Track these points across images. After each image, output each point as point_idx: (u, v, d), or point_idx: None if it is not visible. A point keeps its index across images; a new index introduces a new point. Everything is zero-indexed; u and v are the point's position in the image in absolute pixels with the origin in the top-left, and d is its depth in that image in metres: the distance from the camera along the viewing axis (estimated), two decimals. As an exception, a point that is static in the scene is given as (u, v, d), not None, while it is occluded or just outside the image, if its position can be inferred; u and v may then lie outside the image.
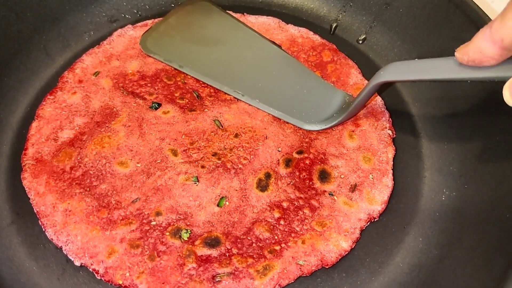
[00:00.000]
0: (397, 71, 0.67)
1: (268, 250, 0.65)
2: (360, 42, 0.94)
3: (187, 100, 0.81)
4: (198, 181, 0.71)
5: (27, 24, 0.88)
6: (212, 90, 0.83)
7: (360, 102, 0.74)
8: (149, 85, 0.82)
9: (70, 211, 0.68)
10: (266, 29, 0.93)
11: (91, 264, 0.64)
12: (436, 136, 0.80)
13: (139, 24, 0.92)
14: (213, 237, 0.66)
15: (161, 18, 0.93)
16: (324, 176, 0.73)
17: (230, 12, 0.94)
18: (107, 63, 0.85)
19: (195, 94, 0.82)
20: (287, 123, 0.79)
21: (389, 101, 0.84)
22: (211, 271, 0.63)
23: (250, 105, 0.81)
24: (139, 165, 0.72)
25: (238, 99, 0.82)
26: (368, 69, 0.88)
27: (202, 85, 0.83)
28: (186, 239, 0.65)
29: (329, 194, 0.71)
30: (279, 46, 0.88)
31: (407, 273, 0.67)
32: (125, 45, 0.88)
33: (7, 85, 0.83)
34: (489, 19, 0.77)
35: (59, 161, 0.72)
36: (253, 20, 0.94)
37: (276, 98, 0.80)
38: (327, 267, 0.65)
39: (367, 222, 0.70)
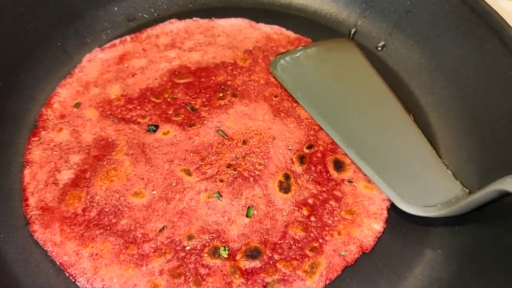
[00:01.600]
0: None
1: (309, 248, 0.66)
2: (379, 49, 0.94)
3: (183, 116, 0.78)
4: (221, 196, 0.70)
5: (45, 21, 0.87)
6: (205, 100, 0.80)
7: (472, 201, 0.65)
8: (138, 107, 0.79)
9: (96, 254, 0.64)
10: (238, 29, 0.92)
11: None
12: (455, 147, 0.79)
13: (107, 45, 0.88)
14: (252, 248, 0.65)
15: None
16: (339, 165, 0.75)
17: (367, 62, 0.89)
18: (85, 92, 0.81)
19: (188, 108, 0.79)
20: (288, 117, 0.80)
21: (407, 108, 0.83)
22: (260, 282, 0.63)
23: (247, 106, 0.80)
24: (154, 192, 0.70)
25: (232, 104, 0.80)
26: (387, 76, 0.88)
27: (193, 96, 0.81)
28: (226, 256, 0.65)
29: (348, 181, 0.73)
30: (409, 112, 0.82)
31: (427, 286, 0.66)
32: (98, 70, 0.85)
33: (24, 82, 0.82)
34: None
35: (68, 205, 0.68)
36: (223, 23, 0.93)
37: (382, 163, 0.74)
38: (367, 251, 0.68)
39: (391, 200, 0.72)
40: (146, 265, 0.63)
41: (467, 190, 0.72)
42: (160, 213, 0.68)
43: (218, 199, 0.69)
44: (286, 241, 0.66)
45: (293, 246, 0.66)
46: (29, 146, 0.74)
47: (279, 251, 0.66)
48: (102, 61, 0.86)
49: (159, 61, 0.86)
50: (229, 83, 0.83)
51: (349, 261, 0.66)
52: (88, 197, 0.69)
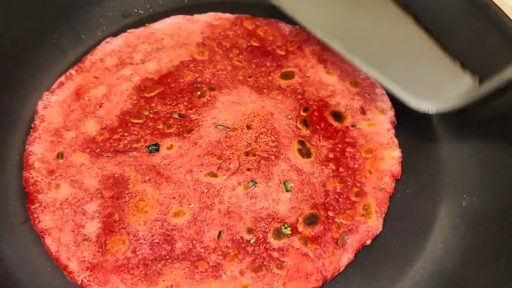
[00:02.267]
0: None
1: (353, 195, 0.71)
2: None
3: (175, 126, 0.76)
4: (255, 183, 0.70)
5: (39, 18, 0.86)
6: (186, 103, 0.78)
7: (484, 91, 0.66)
8: (126, 134, 0.75)
9: (172, 285, 0.63)
10: (178, 27, 0.89)
11: None
12: (456, 140, 0.79)
13: (55, 86, 0.80)
14: (307, 216, 0.69)
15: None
16: (338, 116, 0.79)
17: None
18: (60, 139, 0.74)
19: (176, 116, 0.77)
20: (272, 91, 0.81)
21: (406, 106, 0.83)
22: (330, 241, 0.67)
23: (230, 95, 0.79)
24: (192, 205, 0.69)
25: (215, 97, 0.79)
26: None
27: (172, 104, 0.78)
28: (290, 232, 0.67)
29: (352, 126, 0.78)
30: (411, 17, 0.82)
31: (428, 280, 0.66)
32: (61, 113, 0.77)
33: (19, 79, 0.81)
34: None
35: (115, 253, 0.64)
36: (159, 26, 0.90)
37: (391, 68, 0.74)
38: (398, 177, 0.74)
39: (393, 126, 0.79)
40: (225, 273, 0.64)
41: (477, 77, 0.72)
42: (209, 222, 0.67)
43: (255, 186, 0.70)
44: (332, 197, 0.71)
45: (340, 199, 0.71)
46: (34, 216, 0.67)
47: (331, 208, 0.70)
48: (59, 103, 0.78)
49: (118, 83, 0.81)
50: (199, 79, 0.82)
51: (390, 191, 0.73)
52: (131, 237, 0.66)
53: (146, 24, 0.89)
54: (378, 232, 0.69)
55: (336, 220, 0.69)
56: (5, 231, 0.67)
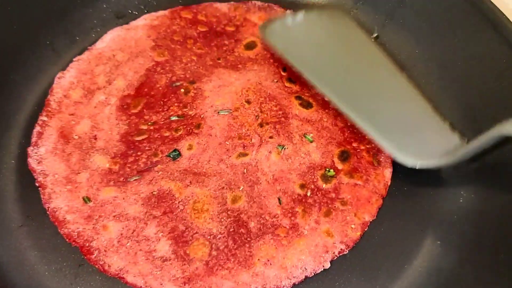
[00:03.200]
0: None
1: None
2: (372, 40, 0.93)
3: (182, 127, 0.76)
4: (283, 146, 0.74)
5: (33, 20, 0.85)
6: (176, 104, 0.78)
7: (472, 148, 0.65)
8: (139, 153, 0.73)
9: (268, 260, 0.66)
10: (122, 39, 0.87)
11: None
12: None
13: (34, 138, 0.74)
14: (339, 153, 0.76)
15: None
16: None
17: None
18: (77, 184, 0.70)
19: (176, 118, 0.77)
20: (245, 64, 0.84)
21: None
22: (368, 166, 0.75)
23: (212, 81, 0.81)
24: (242, 187, 0.71)
25: (200, 89, 0.80)
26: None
27: (164, 109, 0.78)
28: (334, 173, 0.74)
29: None
30: (402, 71, 0.81)
31: (426, 277, 0.66)
32: (59, 161, 0.72)
33: (14, 82, 0.81)
34: (507, 19, 0.77)
35: (201, 257, 0.65)
36: (103, 44, 0.87)
37: (380, 119, 0.74)
38: None
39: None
40: (304, 229, 0.68)
41: (466, 139, 0.71)
42: (265, 195, 0.70)
43: (284, 149, 0.74)
44: (347, 131, 0.78)
45: (354, 130, 0.77)
46: (100, 263, 0.64)
47: (352, 140, 0.77)
48: (51, 152, 0.73)
49: (98, 110, 0.78)
50: (174, 78, 0.82)
51: None
52: (208, 237, 0.67)
53: (88, 47, 0.86)
54: None
55: (362, 147, 0.76)
56: (2, 236, 0.67)
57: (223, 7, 0.94)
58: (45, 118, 0.76)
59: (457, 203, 0.72)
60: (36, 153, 0.73)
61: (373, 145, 0.76)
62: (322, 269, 0.66)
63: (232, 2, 0.94)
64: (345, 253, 0.67)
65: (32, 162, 0.72)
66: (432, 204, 0.73)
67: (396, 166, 0.75)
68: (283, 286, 0.64)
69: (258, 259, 0.65)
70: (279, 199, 0.70)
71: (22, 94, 0.81)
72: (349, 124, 0.78)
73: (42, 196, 0.69)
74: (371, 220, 0.71)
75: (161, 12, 0.92)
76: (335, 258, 0.67)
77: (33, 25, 0.85)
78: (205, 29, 0.90)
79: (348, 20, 0.88)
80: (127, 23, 0.92)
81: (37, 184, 0.70)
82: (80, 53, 0.86)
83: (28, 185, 0.71)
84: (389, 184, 0.74)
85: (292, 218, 0.69)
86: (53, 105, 0.78)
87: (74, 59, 0.84)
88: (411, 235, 0.70)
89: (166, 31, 0.89)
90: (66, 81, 0.81)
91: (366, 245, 0.69)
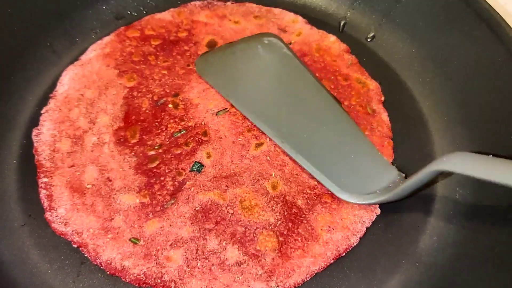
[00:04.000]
0: (463, 164, 0.58)
1: (343, 79, 0.86)
2: (369, 40, 0.94)
3: (191, 140, 0.75)
4: None
5: (33, 22, 0.86)
6: (172, 120, 0.78)
7: (410, 185, 0.65)
8: (162, 178, 0.72)
9: (332, 222, 0.69)
10: (82, 76, 0.83)
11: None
12: (448, 134, 0.80)
13: (46, 203, 0.69)
14: None
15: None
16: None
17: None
18: (114, 230, 0.67)
19: (179, 134, 0.76)
20: None
21: (400, 100, 0.85)
22: (365, 115, 0.82)
23: (193, 88, 0.82)
24: (273, 173, 0.73)
25: (187, 99, 0.80)
26: (377, 67, 0.88)
27: (162, 129, 0.77)
28: None
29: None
30: (339, 102, 0.82)
31: (424, 272, 0.67)
32: (86, 214, 0.68)
33: (14, 84, 0.82)
34: (501, 18, 0.78)
35: (273, 247, 0.66)
36: (64, 88, 0.82)
37: (318, 155, 0.74)
38: None
39: None
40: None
41: (404, 174, 0.73)
42: (295, 173, 0.73)
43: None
44: (337, 92, 0.84)
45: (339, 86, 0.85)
46: None
47: (347, 98, 0.83)
48: (71, 210, 0.69)
49: (98, 153, 0.74)
50: (156, 98, 0.80)
51: None
52: (269, 227, 0.68)
53: (50, 95, 0.80)
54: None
55: (353, 103, 0.82)
56: (5, 235, 0.67)
57: (166, 15, 0.93)
58: (45, 180, 0.71)
59: (453, 199, 0.73)
60: (56, 216, 0.68)
61: (361, 98, 0.82)
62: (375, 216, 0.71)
63: (172, 9, 0.94)
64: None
65: (58, 227, 0.67)
66: (428, 200, 0.74)
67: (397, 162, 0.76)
68: (353, 243, 0.68)
69: (321, 229, 0.68)
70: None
71: (23, 95, 0.81)
72: (332, 86, 0.84)
73: (88, 254, 0.65)
74: (392, 161, 0.76)
75: (106, 39, 0.88)
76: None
77: (33, 27, 0.86)
78: (159, 42, 0.89)
79: (283, 48, 0.87)
80: (126, 24, 0.92)
81: (75, 246, 0.66)
82: (80, 54, 0.87)
83: (29, 185, 0.71)
84: (390, 125, 0.80)
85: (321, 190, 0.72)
86: (46, 164, 0.72)
87: (42, 111, 0.78)
88: (408, 231, 0.71)
89: (122, 55, 0.86)
90: (46, 136, 0.75)
91: (364, 242, 0.69)
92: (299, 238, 0.67)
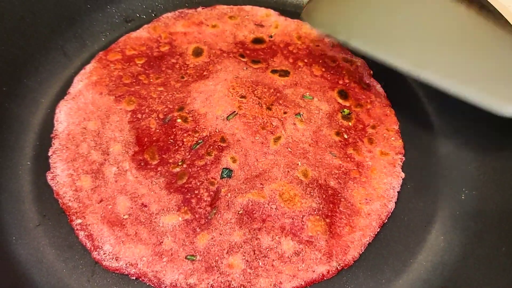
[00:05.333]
0: None
1: (342, 60, 0.92)
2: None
3: (211, 149, 0.75)
4: (298, 113, 0.80)
5: (44, 25, 0.88)
6: (185, 134, 0.76)
7: None
8: (196, 192, 0.71)
9: (366, 199, 0.74)
10: (78, 109, 0.79)
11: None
12: (453, 135, 0.81)
13: (90, 245, 0.67)
14: (339, 92, 0.86)
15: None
16: (258, 40, 0.92)
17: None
18: (173, 259, 0.67)
19: (199, 145, 0.75)
20: (210, 70, 0.85)
21: (405, 100, 0.86)
22: (363, 91, 0.87)
23: (195, 97, 0.80)
24: (299, 163, 0.75)
25: (193, 110, 0.79)
26: (384, 70, 0.89)
27: (178, 144, 0.75)
28: (348, 111, 0.83)
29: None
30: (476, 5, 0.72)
31: (431, 271, 0.68)
32: (130, 245, 0.68)
33: (27, 86, 0.83)
34: (506, 21, 0.78)
35: (323, 231, 0.69)
36: (63, 125, 0.78)
37: (464, 74, 0.66)
38: None
39: None
40: (370, 160, 0.78)
41: None
42: (319, 157, 0.77)
43: (301, 115, 0.80)
44: (329, 71, 0.88)
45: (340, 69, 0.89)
46: None
47: (340, 77, 0.87)
48: (118, 244, 0.68)
49: (124, 181, 0.73)
50: (161, 116, 0.79)
51: None
52: (314, 212, 0.70)
53: (51, 135, 0.77)
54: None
55: (346, 80, 0.86)
56: (21, 235, 0.69)
57: (142, 33, 0.91)
58: (79, 221, 0.69)
59: (459, 200, 0.74)
60: (104, 254, 0.66)
61: (353, 75, 0.87)
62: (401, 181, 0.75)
63: (145, 26, 0.92)
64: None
65: (110, 264, 0.66)
66: (434, 200, 0.75)
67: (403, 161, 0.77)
68: (391, 209, 0.73)
69: (360, 203, 0.73)
70: (331, 153, 0.77)
71: (35, 98, 0.83)
72: (323, 69, 0.87)
73: (150, 283, 0.65)
74: (397, 128, 0.82)
75: (88, 67, 0.85)
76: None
77: (45, 30, 0.87)
78: (144, 60, 0.87)
79: None
80: (136, 27, 0.93)
81: (134, 277, 0.66)
82: (91, 57, 0.88)
83: (43, 186, 0.73)
84: (386, 95, 0.86)
85: (352, 159, 0.77)
86: (73, 206, 0.70)
87: (49, 154, 0.75)
88: (415, 230, 0.72)
89: (112, 80, 0.83)
90: (63, 178, 0.72)
91: (372, 242, 0.70)
92: (343, 216, 0.71)
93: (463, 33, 0.70)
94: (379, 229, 0.71)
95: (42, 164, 0.75)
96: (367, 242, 0.70)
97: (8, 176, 0.74)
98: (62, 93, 0.83)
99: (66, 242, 0.69)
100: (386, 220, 0.72)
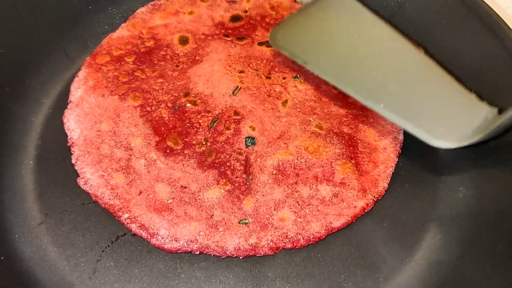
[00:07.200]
0: None
1: None
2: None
3: (228, 124, 0.78)
4: (296, 75, 0.86)
5: (46, 27, 0.89)
6: (200, 117, 0.79)
7: (508, 121, 0.64)
8: (228, 164, 0.75)
9: (379, 136, 0.80)
10: (84, 114, 0.80)
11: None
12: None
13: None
14: None
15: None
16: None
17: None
18: (231, 226, 0.71)
19: (215, 123, 0.78)
20: (202, 56, 0.87)
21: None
22: None
23: (197, 82, 0.83)
24: (311, 118, 0.80)
25: (200, 92, 0.82)
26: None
27: (194, 129, 0.78)
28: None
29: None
30: (422, 50, 0.81)
31: (427, 270, 0.69)
32: (196, 224, 0.71)
33: (29, 87, 0.84)
34: (504, 23, 0.79)
35: (352, 171, 0.75)
36: (74, 136, 0.78)
37: (404, 104, 0.73)
38: None
39: None
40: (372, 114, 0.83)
41: (496, 108, 0.70)
42: (327, 110, 0.82)
43: (299, 77, 0.85)
44: None
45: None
46: None
47: None
48: (174, 225, 0.70)
49: (156, 170, 0.74)
50: (170, 104, 0.80)
51: None
52: (335, 157, 0.76)
53: (69, 144, 0.77)
54: None
55: None
56: (24, 233, 0.70)
57: (122, 32, 0.91)
58: (127, 215, 0.70)
59: (456, 199, 0.75)
60: (163, 238, 0.69)
61: None
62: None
63: (123, 25, 0.92)
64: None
65: (171, 246, 0.69)
66: (432, 199, 0.76)
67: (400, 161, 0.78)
68: (402, 140, 0.80)
69: (375, 141, 0.79)
70: (335, 104, 0.82)
71: (38, 98, 0.84)
72: None
73: (214, 253, 0.69)
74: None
75: (81, 74, 0.85)
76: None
77: (47, 31, 0.88)
78: (134, 57, 0.87)
79: (355, 3, 0.86)
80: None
81: (197, 252, 0.69)
82: (92, 57, 0.88)
83: (46, 185, 0.74)
84: None
85: (355, 105, 0.82)
86: (116, 203, 0.72)
87: (73, 161, 0.75)
88: (412, 229, 0.73)
89: (109, 81, 0.83)
90: (95, 180, 0.73)
91: (369, 239, 0.72)
92: (364, 155, 0.77)
93: (407, 71, 0.77)
94: (397, 159, 0.78)
95: (44, 164, 0.76)
96: (391, 173, 0.76)
97: (11, 175, 0.75)
98: (64, 93, 0.84)
99: (68, 241, 0.70)
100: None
